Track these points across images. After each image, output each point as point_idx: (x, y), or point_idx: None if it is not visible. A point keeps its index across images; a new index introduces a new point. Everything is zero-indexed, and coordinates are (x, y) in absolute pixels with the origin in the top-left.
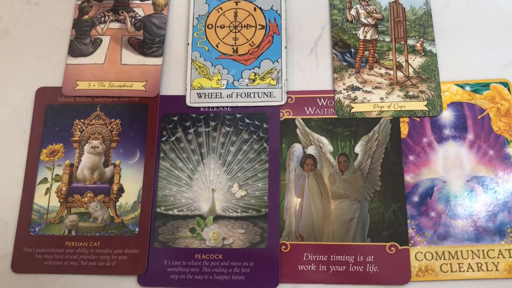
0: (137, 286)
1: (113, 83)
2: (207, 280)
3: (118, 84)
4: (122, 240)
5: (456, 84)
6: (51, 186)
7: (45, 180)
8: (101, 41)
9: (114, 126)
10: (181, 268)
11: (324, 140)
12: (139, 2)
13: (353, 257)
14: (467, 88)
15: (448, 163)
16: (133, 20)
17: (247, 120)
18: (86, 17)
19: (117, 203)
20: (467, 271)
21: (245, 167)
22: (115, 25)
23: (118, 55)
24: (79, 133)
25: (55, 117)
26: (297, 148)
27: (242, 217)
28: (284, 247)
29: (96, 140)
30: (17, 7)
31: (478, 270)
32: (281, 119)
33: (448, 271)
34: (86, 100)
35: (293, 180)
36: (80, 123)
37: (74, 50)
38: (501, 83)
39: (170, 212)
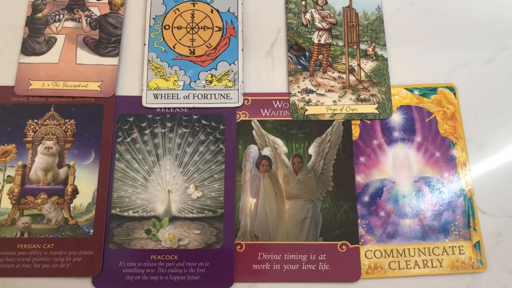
0: (92, 287)
1: (68, 83)
2: (162, 281)
3: (73, 84)
4: (77, 241)
5: (405, 88)
6: (2, 187)
7: None
8: (56, 40)
9: (69, 126)
10: (137, 269)
11: (279, 142)
12: (95, 1)
13: (306, 255)
14: (416, 92)
15: (397, 164)
16: (88, 19)
17: (203, 121)
18: (39, 15)
19: (72, 205)
20: (414, 268)
21: (202, 168)
22: (70, 24)
23: (73, 55)
24: (32, 133)
25: (7, 117)
26: (253, 149)
27: (198, 218)
28: (239, 247)
29: (50, 140)
30: None
31: (424, 267)
32: (237, 121)
33: (396, 268)
34: (40, 100)
35: (248, 181)
36: (34, 123)
37: (27, 48)
38: (447, 87)
39: (126, 214)
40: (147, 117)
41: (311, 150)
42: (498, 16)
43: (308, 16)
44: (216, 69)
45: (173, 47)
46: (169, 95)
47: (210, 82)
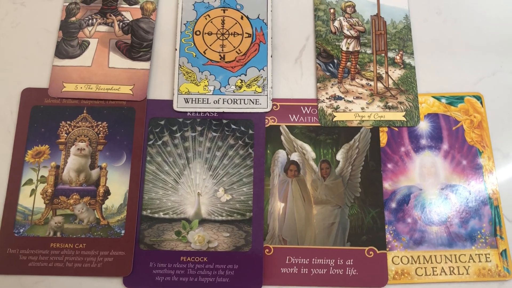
0: (122, 287)
1: (100, 86)
2: (192, 282)
3: (105, 87)
4: (108, 242)
5: (432, 96)
6: (36, 187)
7: (30, 181)
8: (89, 43)
9: (101, 128)
10: (167, 270)
11: (307, 147)
12: (127, 6)
13: (333, 260)
14: (443, 100)
15: (424, 172)
16: (121, 24)
17: (233, 126)
18: (73, 19)
19: (103, 206)
20: (440, 274)
21: (231, 172)
22: (103, 28)
23: (106, 58)
24: (65, 135)
25: (41, 118)
26: (281, 154)
27: (227, 220)
28: (267, 250)
29: (82, 142)
30: (2, 6)
31: (451, 274)
32: (266, 126)
33: (422, 274)
34: (72, 102)
35: (277, 186)
36: (67, 125)
37: (61, 51)
38: (474, 96)
39: (156, 215)
40: (178, 120)
41: (339, 156)
42: None
43: (336, 23)
44: (245, 75)
45: (204, 52)
46: (199, 99)
47: (240, 87)
